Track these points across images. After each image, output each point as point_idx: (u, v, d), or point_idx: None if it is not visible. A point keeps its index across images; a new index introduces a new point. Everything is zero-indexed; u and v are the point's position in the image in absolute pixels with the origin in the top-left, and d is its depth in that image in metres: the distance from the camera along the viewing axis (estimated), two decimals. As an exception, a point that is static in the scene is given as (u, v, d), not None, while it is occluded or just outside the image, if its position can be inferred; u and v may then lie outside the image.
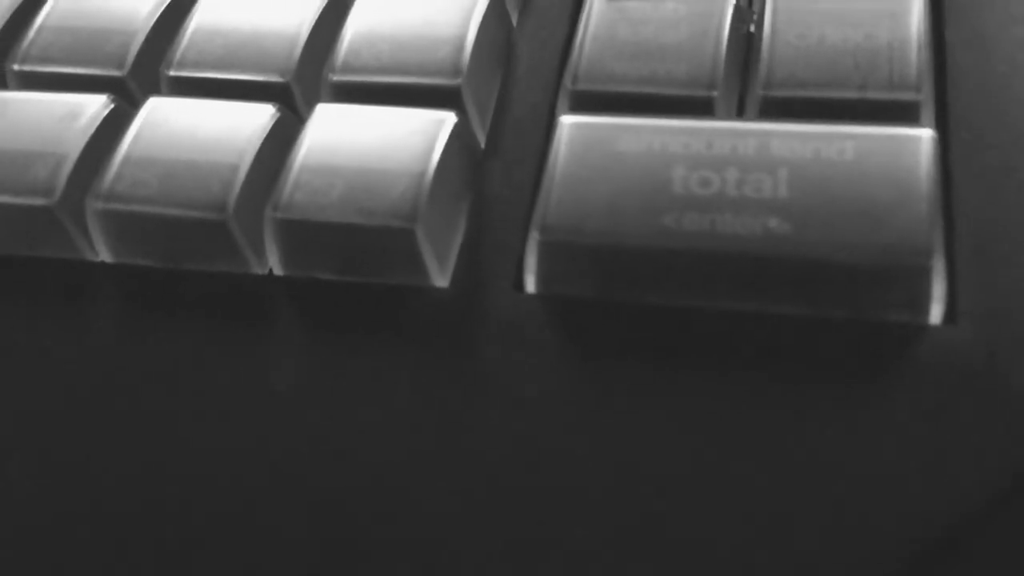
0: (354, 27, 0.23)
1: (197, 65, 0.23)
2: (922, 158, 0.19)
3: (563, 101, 0.22)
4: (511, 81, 0.24)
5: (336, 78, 0.23)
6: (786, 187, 0.19)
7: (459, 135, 0.21)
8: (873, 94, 0.20)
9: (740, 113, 0.22)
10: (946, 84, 0.21)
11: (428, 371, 0.20)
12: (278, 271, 0.21)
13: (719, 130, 0.20)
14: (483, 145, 0.23)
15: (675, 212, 0.19)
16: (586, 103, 0.22)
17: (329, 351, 0.20)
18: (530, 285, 0.20)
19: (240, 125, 0.22)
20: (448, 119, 0.21)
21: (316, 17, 0.24)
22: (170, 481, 0.19)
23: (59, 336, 0.21)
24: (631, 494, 0.18)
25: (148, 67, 0.24)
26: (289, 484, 0.19)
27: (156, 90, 0.24)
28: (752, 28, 0.24)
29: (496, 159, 0.22)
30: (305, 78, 0.23)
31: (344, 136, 0.21)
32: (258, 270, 0.21)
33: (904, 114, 0.20)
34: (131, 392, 0.20)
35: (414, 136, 0.21)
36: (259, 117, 0.22)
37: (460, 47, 0.22)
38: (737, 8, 0.23)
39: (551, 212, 0.20)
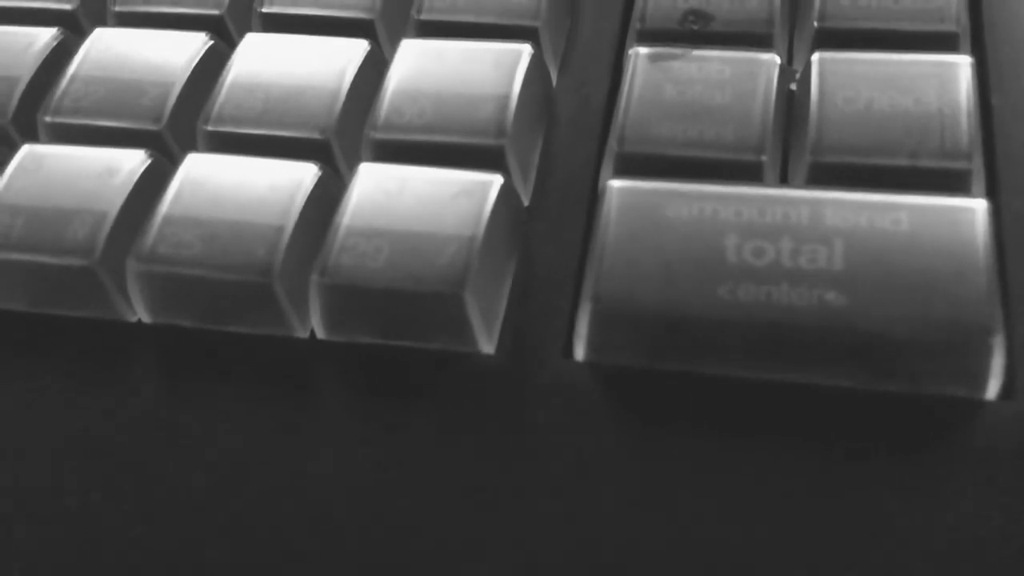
0: (395, 83, 0.23)
1: (235, 121, 0.23)
2: (978, 230, 0.19)
3: (608, 163, 0.22)
4: (553, 140, 0.24)
5: (378, 136, 0.22)
6: (842, 259, 0.19)
7: (505, 197, 0.21)
8: (925, 162, 0.20)
9: (784, 176, 0.22)
10: (994, 151, 0.21)
11: (476, 440, 0.19)
12: (321, 334, 0.21)
13: (771, 197, 0.20)
14: (527, 204, 0.23)
15: (730, 283, 0.19)
16: (632, 166, 0.22)
17: (375, 419, 0.20)
18: (579, 353, 0.20)
19: (283, 185, 0.22)
20: (495, 181, 0.21)
21: (355, 72, 0.24)
22: (210, 547, 0.19)
23: (97, 398, 0.21)
24: (682, 564, 0.18)
25: (184, 121, 0.24)
26: (334, 554, 0.18)
27: (192, 144, 0.24)
28: (793, 86, 0.23)
29: (541, 221, 0.22)
30: (345, 135, 0.23)
31: (389, 198, 0.21)
32: (300, 333, 0.21)
33: (955, 183, 0.20)
34: (169, 456, 0.20)
35: (461, 199, 0.21)
36: (302, 177, 0.22)
37: (504, 106, 0.22)
38: (781, 68, 0.22)
39: (603, 281, 0.19)
